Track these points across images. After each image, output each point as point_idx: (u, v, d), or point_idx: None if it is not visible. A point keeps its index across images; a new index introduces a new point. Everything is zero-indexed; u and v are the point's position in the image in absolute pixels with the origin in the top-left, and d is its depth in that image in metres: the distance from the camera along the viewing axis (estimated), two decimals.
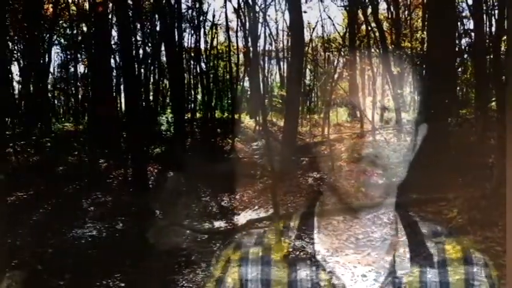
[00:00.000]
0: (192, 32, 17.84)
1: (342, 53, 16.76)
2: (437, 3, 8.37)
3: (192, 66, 18.85)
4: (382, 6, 16.84)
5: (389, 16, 16.38)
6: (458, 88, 10.83)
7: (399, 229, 0.85)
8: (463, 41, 11.98)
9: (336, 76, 15.75)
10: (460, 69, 11.90)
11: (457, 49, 10.55)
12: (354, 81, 16.97)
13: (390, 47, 14.43)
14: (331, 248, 0.83)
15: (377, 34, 14.03)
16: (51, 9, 15.93)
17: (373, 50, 16.15)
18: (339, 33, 20.11)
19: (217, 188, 9.24)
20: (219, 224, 7.39)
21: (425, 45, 11.28)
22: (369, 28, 15.08)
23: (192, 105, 17.47)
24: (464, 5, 12.35)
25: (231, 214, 7.71)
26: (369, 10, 14.48)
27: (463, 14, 12.68)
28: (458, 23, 11.44)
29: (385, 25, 15.68)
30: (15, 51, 16.13)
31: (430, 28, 9.13)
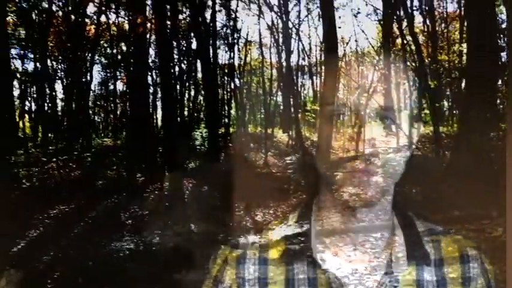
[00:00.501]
0: (227, 48, 18.18)
1: (377, 67, 16.59)
2: (477, 15, 8.19)
3: (226, 82, 19.16)
4: (418, 19, 16.62)
5: (426, 29, 16.13)
6: (499, 101, 10.48)
7: (396, 227, 0.84)
8: (504, 53, 11.63)
9: (370, 90, 15.57)
10: (500, 82, 11.53)
11: (497, 61, 10.25)
12: (389, 94, 16.76)
13: (426, 60, 14.17)
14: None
15: (413, 47, 13.84)
16: (93, 30, 16.60)
17: (408, 63, 15.92)
18: (373, 47, 19.97)
19: (251, 202, 9.25)
20: (254, 239, 7.36)
21: (464, 57, 11.01)
22: (405, 41, 14.88)
23: (226, 120, 17.69)
24: (504, 16, 12.03)
25: (265, 229, 7.67)
26: (404, 23, 14.33)
27: (503, 26, 12.34)
28: (499, 34, 11.12)
29: (421, 38, 15.44)
30: (59, 70, 16.86)
31: (470, 40, 8.91)
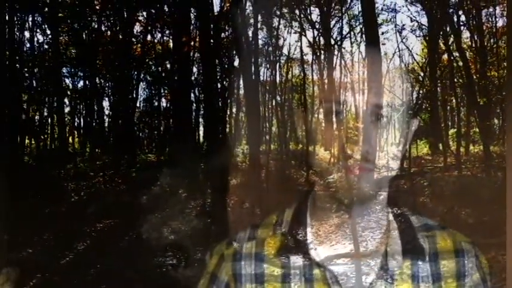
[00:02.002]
0: (268, 66, 18.33)
1: (422, 83, 16.17)
2: None
3: (267, 99, 19.27)
4: (465, 34, 16.13)
5: (474, 44, 15.61)
6: None
7: (391, 222, 0.84)
8: None
9: (415, 107, 15.18)
10: None
11: None
12: (436, 112, 16.25)
13: (475, 77, 13.68)
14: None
15: (460, 63, 13.42)
16: (139, 49, 17.22)
17: (456, 80, 15.43)
18: (417, 63, 19.53)
19: (292, 222, 9.16)
20: (295, 259, 7.27)
21: None
22: (452, 57, 14.46)
23: (267, 137, 17.73)
24: None
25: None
26: (451, 39, 13.94)
27: None
28: None
29: (469, 54, 14.95)
30: (106, 88, 17.54)
31: None
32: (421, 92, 16.14)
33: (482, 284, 0.82)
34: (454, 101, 17.91)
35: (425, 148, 17.30)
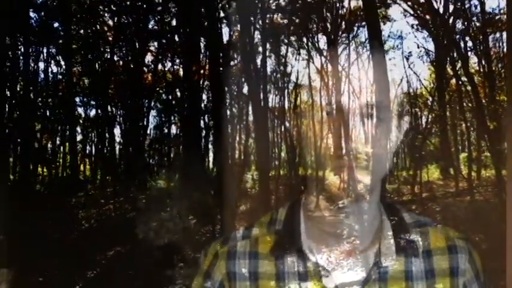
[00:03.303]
0: (277, 92, 18.50)
1: (431, 108, 16.17)
2: None
3: (276, 124, 19.37)
4: (473, 59, 16.19)
5: (482, 69, 15.65)
6: None
7: (384, 219, 0.84)
8: None
9: (425, 132, 15.15)
10: None
11: None
12: (446, 136, 16.18)
13: (484, 101, 13.66)
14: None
15: (468, 88, 13.43)
16: (150, 78, 17.51)
17: (465, 104, 15.41)
18: (425, 88, 19.56)
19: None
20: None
21: None
22: (460, 82, 14.49)
23: (277, 163, 17.74)
24: None
25: (318, 275, 7.45)
26: (458, 64, 14.00)
27: None
28: None
29: (477, 78, 14.97)
30: (118, 116, 17.78)
31: None
32: (430, 116, 16.14)
33: (476, 280, 0.82)
34: (463, 125, 17.85)
35: (436, 173, 17.13)
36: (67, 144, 17.62)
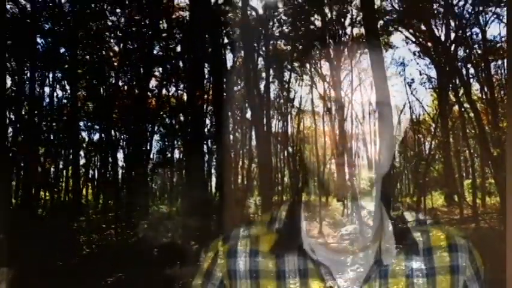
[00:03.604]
0: (280, 117, 18.61)
1: (434, 134, 16.18)
2: None
3: (279, 150, 19.41)
4: (475, 86, 16.29)
5: (484, 96, 15.72)
6: None
7: (384, 218, 0.84)
8: None
9: (428, 158, 15.11)
10: None
11: None
12: (449, 163, 16.12)
13: (487, 128, 13.66)
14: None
15: (471, 115, 13.46)
16: (154, 103, 17.66)
17: (468, 131, 15.42)
18: (428, 114, 19.62)
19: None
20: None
21: None
22: (462, 109, 14.54)
23: (280, 188, 17.69)
24: None
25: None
26: (461, 91, 14.08)
27: None
28: None
29: (480, 105, 15.02)
30: (121, 140, 17.85)
31: None
32: (433, 142, 16.13)
33: (476, 279, 0.83)
34: (467, 151, 17.82)
35: (440, 199, 17.01)
36: (70, 168, 17.64)
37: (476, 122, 12.47)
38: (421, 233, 0.84)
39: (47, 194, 16.61)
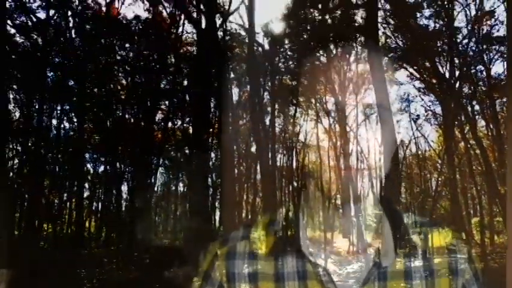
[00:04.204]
0: (285, 152, 18.61)
1: (441, 171, 16.08)
2: None
3: (284, 184, 19.29)
4: (481, 123, 16.31)
5: (490, 133, 15.71)
6: None
7: (383, 219, 0.84)
8: None
9: (435, 195, 14.97)
10: None
11: None
12: (456, 200, 15.93)
13: (494, 164, 13.58)
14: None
15: (477, 151, 13.42)
16: (160, 136, 17.77)
17: (474, 168, 15.32)
18: (434, 150, 19.56)
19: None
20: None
21: None
22: (468, 145, 14.50)
23: (284, 223, 17.45)
24: None
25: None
26: (467, 127, 14.09)
27: None
28: None
29: (486, 142, 14.99)
30: (126, 173, 17.85)
31: None
32: (440, 179, 16.01)
33: (475, 281, 0.83)
34: (474, 189, 17.63)
35: (448, 237, 16.69)
36: (74, 200, 17.59)
37: (482, 158, 12.41)
38: (420, 235, 0.84)
39: (50, 226, 16.51)
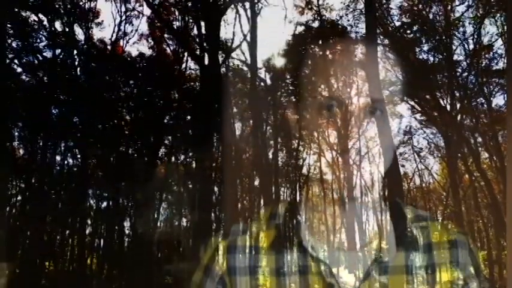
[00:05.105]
0: (288, 185, 18.54)
1: (446, 203, 15.93)
2: None
3: (287, 218, 19.12)
4: (484, 155, 16.27)
5: (494, 164, 15.65)
6: None
7: (384, 214, 0.84)
8: None
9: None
10: None
11: None
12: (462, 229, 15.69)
13: (499, 197, 13.46)
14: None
15: (482, 183, 13.33)
16: (163, 171, 17.78)
17: (480, 200, 15.18)
18: (438, 183, 19.44)
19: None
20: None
21: None
22: (473, 178, 14.43)
23: (288, 258, 17.19)
24: None
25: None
26: (470, 159, 14.06)
27: None
28: None
29: (490, 174, 14.91)
30: (128, 208, 17.75)
31: None
32: (445, 212, 15.83)
33: (476, 275, 0.82)
34: (480, 221, 17.42)
35: (455, 272, 16.37)
36: (76, 236, 17.42)
37: (487, 191, 12.31)
38: (421, 229, 0.83)
39: (51, 263, 16.29)
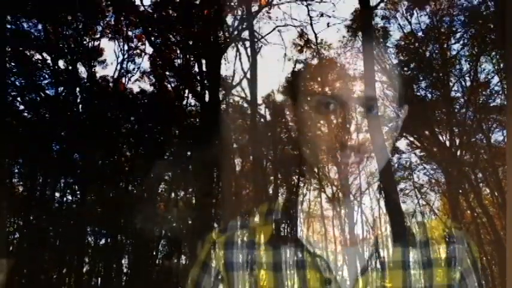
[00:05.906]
0: (288, 221, 18.39)
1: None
2: None
3: (288, 255, 18.82)
4: (485, 191, 16.19)
5: (495, 200, 15.55)
6: None
7: (381, 209, 0.84)
8: None
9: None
10: None
11: None
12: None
13: (502, 233, 13.30)
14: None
15: (484, 219, 13.21)
16: (163, 207, 17.66)
17: (482, 237, 14.99)
18: (440, 218, 19.22)
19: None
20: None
21: None
22: (475, 214, 14.31)
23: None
24: None
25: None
26: (471, 195, 13.99)
27: None
28: None
29: (492, 210, 14.79)
30: (127, 245, 17.50)
31: None
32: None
33: (473, 271, 0.82)
34: (484, 258, 17.13)
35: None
36: (73, 275, 17.09)
37: (490, 227, 12.18)
38: (418, 224, 0.83)
39: None
